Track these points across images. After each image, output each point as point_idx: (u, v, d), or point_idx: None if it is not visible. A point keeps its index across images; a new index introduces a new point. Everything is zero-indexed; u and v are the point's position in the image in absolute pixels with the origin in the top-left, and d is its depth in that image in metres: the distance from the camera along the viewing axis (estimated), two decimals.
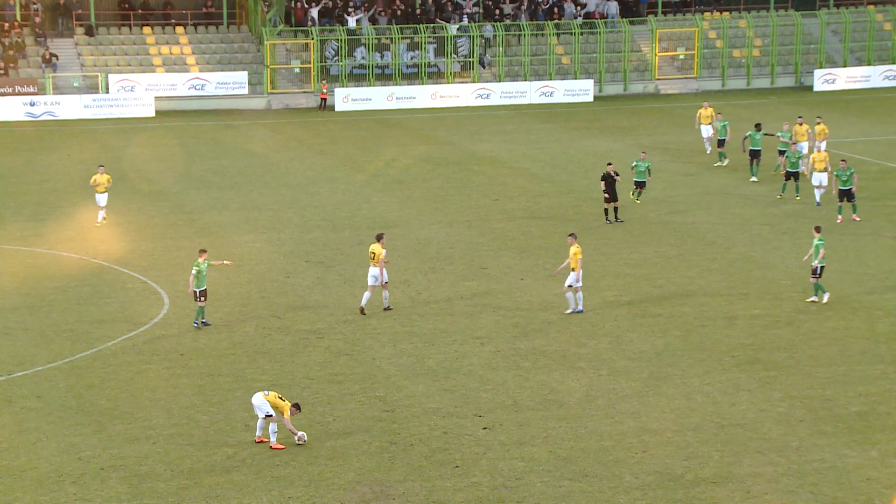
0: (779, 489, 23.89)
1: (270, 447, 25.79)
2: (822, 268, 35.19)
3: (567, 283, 34.45)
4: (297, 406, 26.04)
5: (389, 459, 25.39)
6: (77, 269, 39.59)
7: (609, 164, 45.81)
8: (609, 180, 44.78)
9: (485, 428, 26.89)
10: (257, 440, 26.09)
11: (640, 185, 47.46)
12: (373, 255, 34.50)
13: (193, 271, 33.54)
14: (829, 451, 25.59)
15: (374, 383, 29.63)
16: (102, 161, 50.79)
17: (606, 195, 44.89)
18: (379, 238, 34.85)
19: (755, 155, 51.78)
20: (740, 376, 29.81)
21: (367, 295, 34.81)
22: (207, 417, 27.55)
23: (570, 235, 35.06)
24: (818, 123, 53.23)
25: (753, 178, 51.59)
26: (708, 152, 56.54)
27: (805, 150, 51.07)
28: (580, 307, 34.64)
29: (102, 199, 44.62)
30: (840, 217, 44.62)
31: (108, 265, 39.94)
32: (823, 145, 51.35)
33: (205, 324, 33.77)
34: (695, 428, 26.78)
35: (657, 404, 28.14)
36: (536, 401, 28.40)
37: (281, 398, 25.98)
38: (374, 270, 34.53)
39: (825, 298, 35.22)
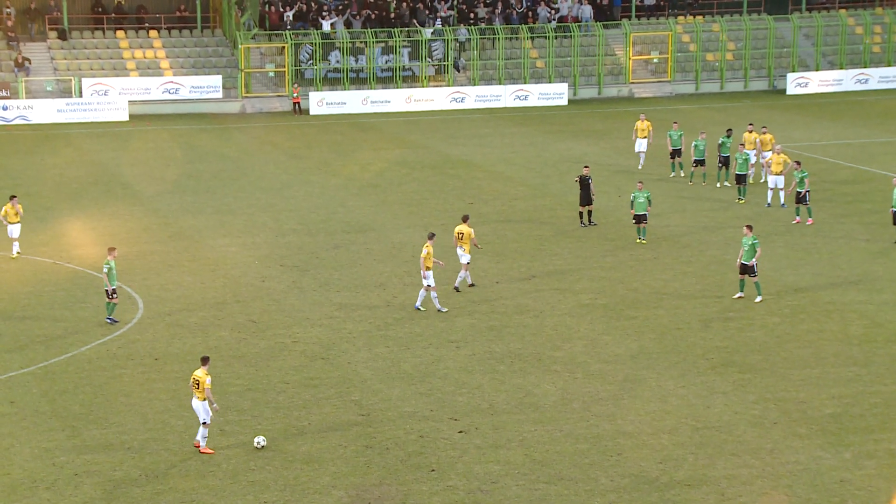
0: (753, 491, 23.99)
1: (199, 451, 25.68)
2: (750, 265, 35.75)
3: (427, 283, 34.97)
4: (204, 359, 25.99)
5: (365, 463, 25.37)
6: (51, 274, 39.43)
7: (586, 166, 45.88)
8: (584, 183, 44.85)
9: (461, 431, 26.91)
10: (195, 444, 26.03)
11: (640, 220, 42.37)
12: (460, 235, 36.40)
13: (105, 269, 33.96)
14: (804, 453, 25.71)
15: (349, 387, 29.61)
16: (77, 165, 50.61)
17: (582, 191, 44.83)
18: (465, 219, 36.85)
19: (725, 162, 51.46)
20: (715, 379, 29.91)
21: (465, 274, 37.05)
22: (182, 422, 27.46)
23: (429, 236, 35.57)
24: (764, 133, 52.62)
25: (725, 184, 51.59)
26: (640, 167, 55.45)
27: (752, 158, 50.89)
28: (418, 304, 35.25)
29: (15, 230, 41.77)
30: (798, 218, 45.02)
31: (82, 269, 39.78)
32: (769, 154, 50.51)
33: (113, 321, 34.08)
34: (670, 431, 26.86)
35: (632, 407, 28.21)
36: (512, 404, 28.43)
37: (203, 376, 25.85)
38: (461, 250, 36.54)
39: (758, 298, 35.68)
